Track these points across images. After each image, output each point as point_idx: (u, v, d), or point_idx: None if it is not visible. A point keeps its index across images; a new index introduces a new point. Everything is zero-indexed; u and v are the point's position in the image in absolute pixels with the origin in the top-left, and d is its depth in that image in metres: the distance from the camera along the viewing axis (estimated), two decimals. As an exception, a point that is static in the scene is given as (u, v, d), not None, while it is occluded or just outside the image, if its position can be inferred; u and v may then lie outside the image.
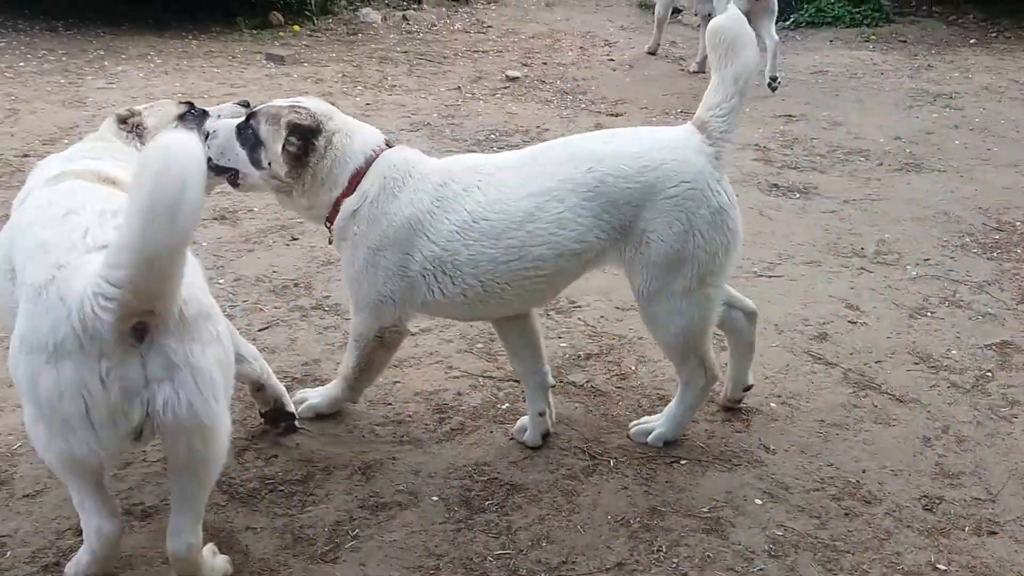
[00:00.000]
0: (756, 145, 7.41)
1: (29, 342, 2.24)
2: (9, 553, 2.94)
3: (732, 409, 3.79)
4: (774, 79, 8.86)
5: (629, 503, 3.25)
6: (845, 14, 12.17)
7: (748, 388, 3.76)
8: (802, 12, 12.24)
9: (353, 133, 3.36)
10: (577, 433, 3.65)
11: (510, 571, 2.93)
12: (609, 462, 3.47)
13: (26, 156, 6.21)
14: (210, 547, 2.84)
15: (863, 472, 3.45)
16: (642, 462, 3.47)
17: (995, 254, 5.37)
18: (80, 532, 2.76)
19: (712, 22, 3.29)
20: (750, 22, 3.42)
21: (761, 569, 2.95)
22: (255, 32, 10.17)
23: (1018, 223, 5.83)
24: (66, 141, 6.11)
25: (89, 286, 2.13)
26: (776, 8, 9.04)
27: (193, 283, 2.31)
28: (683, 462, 3.48)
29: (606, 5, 12.26)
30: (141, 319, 2.17)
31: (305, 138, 3.26)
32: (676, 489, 3.33)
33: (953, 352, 4.29)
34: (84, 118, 7.03)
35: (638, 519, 3.17)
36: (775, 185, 6.51)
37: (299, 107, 3.32)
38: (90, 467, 2.40)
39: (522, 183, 3.23)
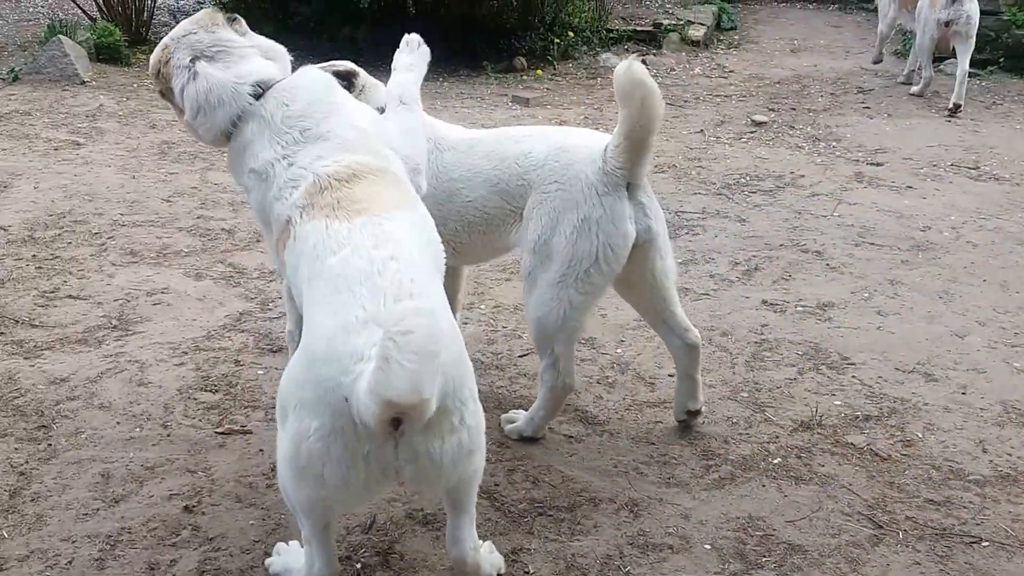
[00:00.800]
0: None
1: (309, 409, 2.33)
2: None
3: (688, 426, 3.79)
4: (957, 107, 9.15)
5: (924, 581, 2.94)
6: None
7: (694, 412, 3.77)
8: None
9: (378, 89, 3.80)
10: (859, 498, 3.36)
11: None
12: (898, 534, 3.16)
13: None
14: (488, 544, 2.92)
15: None
16: (935, 538, 3.14)
17: None
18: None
19: (616, 70, 3.34)
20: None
21: None
22: (500, 76, 10.51)
23: None
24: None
25: (362, 396, 2.19)
26: (973, 40, 9.25)
27: (448, 392, 2.35)
28: (984, 544, 3.12)
29: (857, 52, 11.72)
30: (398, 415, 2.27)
31: (347, 80, 3.64)
32: (977, 572, 2.98)
33: None
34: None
35: (935, 599, 2.86)
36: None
37: (334, 63, 3.75)
38: (331, 514, 2.62)
39: (453, 167, 3.66)
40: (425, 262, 2.59)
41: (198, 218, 5.86)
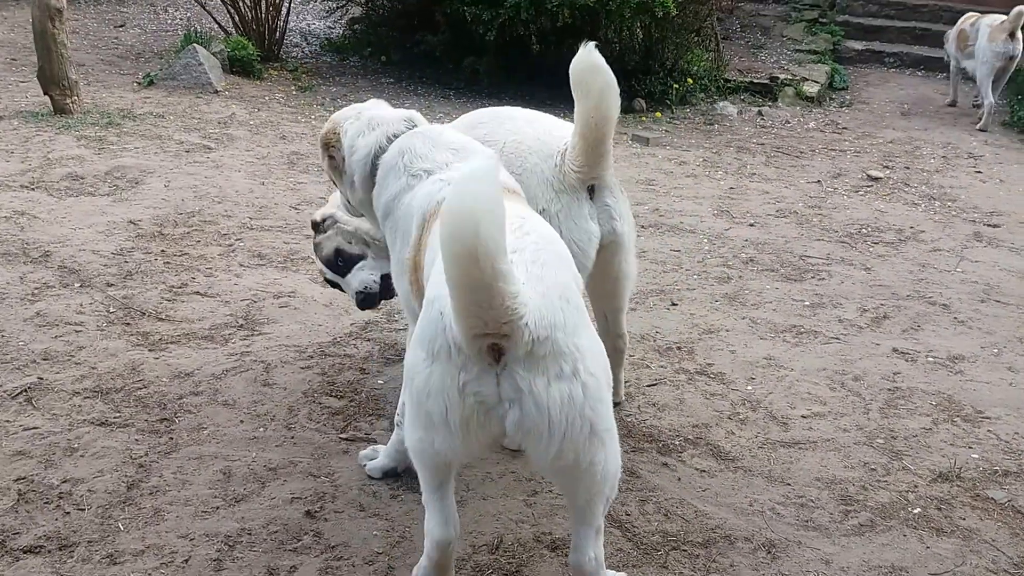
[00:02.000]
0: None
1: (418, 340, 2.48)
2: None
3: None
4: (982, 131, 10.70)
5: (1085, 649, 2.78)
6: None
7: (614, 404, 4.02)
8: None
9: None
10: (1004, 556, 3.21)
11: None
12: (1046, 596, 3.02)
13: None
14: None
15: None
16: (1092, 605, 2.98)
17: None
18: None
19: (575, 59, 3.26)
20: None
21: None
22: (620, 115, 10.53)
23: None
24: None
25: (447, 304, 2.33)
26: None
27: (556, 324, 2.35)
28: None
29: (967, 120, 11.52)
30: (495, 341, 2.28)
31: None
32: None
33: None
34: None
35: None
36: None
37: None
38: (441, 463, 2.55)
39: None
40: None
41: (325, 227, 5.90)
